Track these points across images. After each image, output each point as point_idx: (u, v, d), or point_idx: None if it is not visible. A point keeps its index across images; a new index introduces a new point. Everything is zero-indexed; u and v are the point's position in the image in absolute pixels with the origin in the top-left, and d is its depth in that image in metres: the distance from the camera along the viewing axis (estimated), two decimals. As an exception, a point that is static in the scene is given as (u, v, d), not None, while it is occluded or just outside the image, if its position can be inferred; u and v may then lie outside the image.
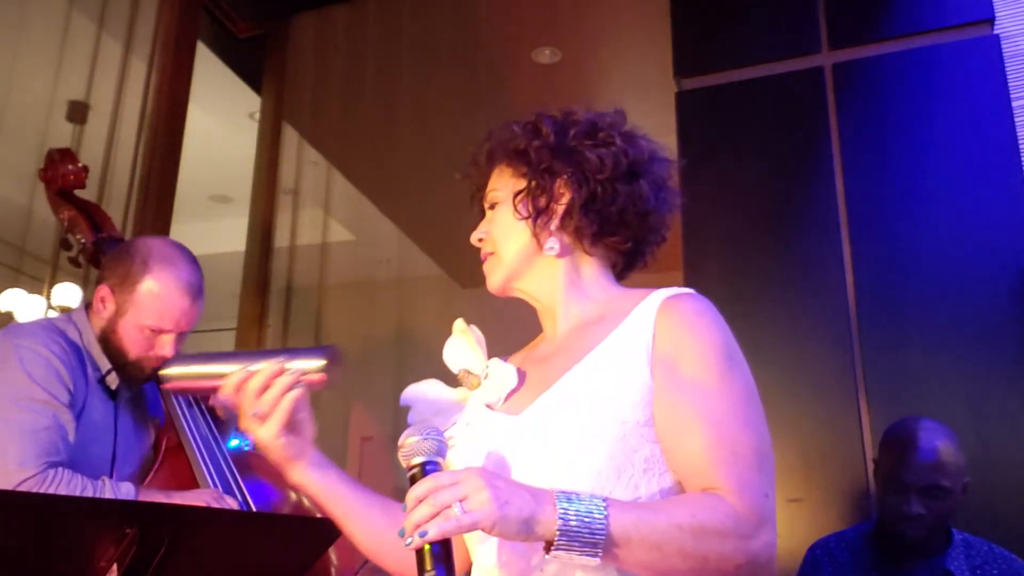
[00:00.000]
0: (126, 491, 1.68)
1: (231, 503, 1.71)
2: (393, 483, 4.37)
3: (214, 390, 1.14)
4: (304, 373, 1.11)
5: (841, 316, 2.60)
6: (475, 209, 1.30)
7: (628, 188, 1.18)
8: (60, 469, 1.63)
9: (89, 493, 1.62)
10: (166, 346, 1.81)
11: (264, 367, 1.11)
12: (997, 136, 2.61)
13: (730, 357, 1.07)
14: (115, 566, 0.98)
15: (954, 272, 2.53)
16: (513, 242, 1.20)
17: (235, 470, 1.85)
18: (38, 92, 3.96)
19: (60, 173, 2.12)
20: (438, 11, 4.13)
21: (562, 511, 0.90)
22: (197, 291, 1.84)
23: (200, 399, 1.92)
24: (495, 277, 1.22)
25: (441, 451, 0.97)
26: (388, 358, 4.75)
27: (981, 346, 2.44)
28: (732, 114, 2.97)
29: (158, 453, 1.91)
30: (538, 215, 1.18)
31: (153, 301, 1.79)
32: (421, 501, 0.89)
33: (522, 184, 1.20)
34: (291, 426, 1.14)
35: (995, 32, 2.74)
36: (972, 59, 2.72)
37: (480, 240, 1.24)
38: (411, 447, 0.96)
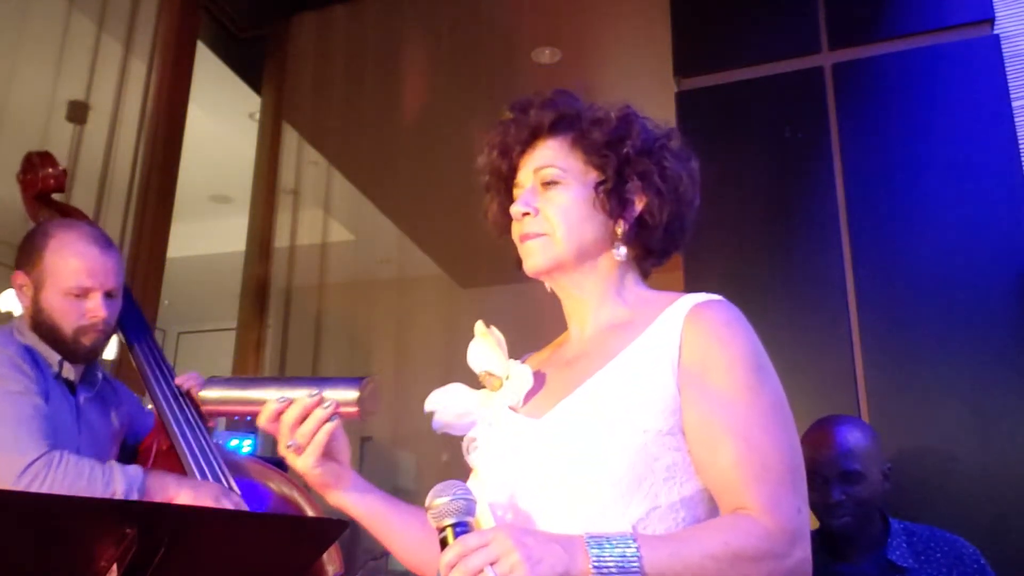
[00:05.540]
0: (133, 472, 1.65)
1: (236, 500, 1.71)
2: (393, 483, 4.38)
3: (252, 416, 1.14)
4: (340, 406, 1.10)
5: (841, 317, 2.60)
6: (501, 170, 1.22)
7: (691, 212, 1.21)
8: (64, 452, 1.61)
9: (98, 473, 1.61)
10: (97, 307, 1.77)
11: (301, 398, 1.10)
12: (997, 136, 2.61)
13: (759, 368, 1.07)
14: (115, 566, 0.98)
15: (954, 272, 2.53)
16: (587, 232, 1.16)
17: (227, 472, 1.83)
18: (38, 92, 3.95)
19: (40, 176, 2.06)
20: (438, 11, 4.12)
21: (595, 558, 0.89)
22: (104, 241, 1.80)
23: (189, 403, 1.90)
24: (544, 258, 1.16)
25: (470, 510, 0.96)
26: (388, 358, 4.74)
27: (981, 346, 2.44)
28: (732, 114, 2.97)
29: (148, 456, 1.88)
30: (619, 215, 1.17)
31: (63, 261, 1.76)
32: (453, 567, 0.89)
33: (594, 174, 1.17)
34: (327, 452, 1.13)
35: (995, 32, 2.73)
36: (972, 59, 2.71)
37: (526, 215, 1.17)
38: (439, 508, 0.95)
